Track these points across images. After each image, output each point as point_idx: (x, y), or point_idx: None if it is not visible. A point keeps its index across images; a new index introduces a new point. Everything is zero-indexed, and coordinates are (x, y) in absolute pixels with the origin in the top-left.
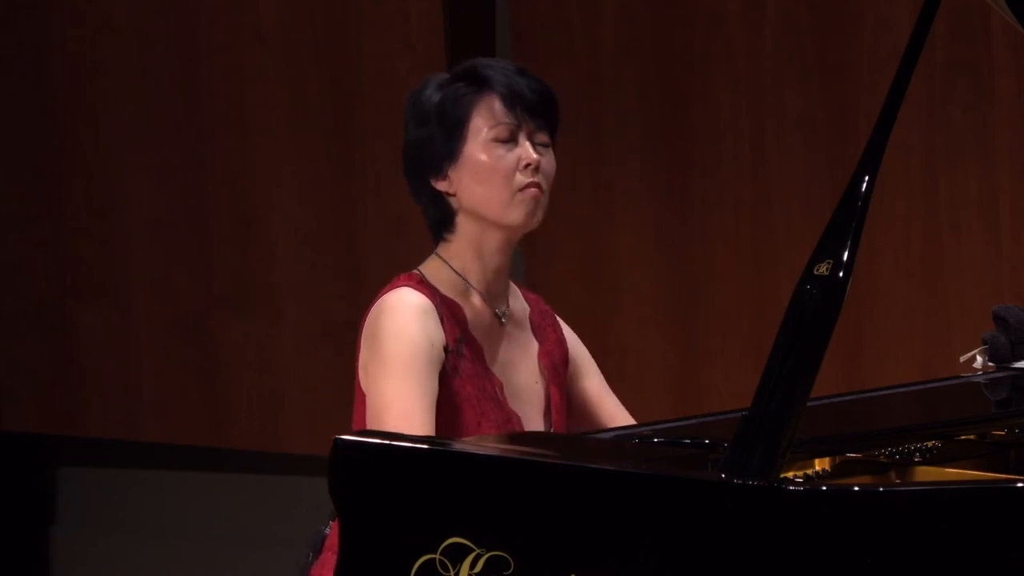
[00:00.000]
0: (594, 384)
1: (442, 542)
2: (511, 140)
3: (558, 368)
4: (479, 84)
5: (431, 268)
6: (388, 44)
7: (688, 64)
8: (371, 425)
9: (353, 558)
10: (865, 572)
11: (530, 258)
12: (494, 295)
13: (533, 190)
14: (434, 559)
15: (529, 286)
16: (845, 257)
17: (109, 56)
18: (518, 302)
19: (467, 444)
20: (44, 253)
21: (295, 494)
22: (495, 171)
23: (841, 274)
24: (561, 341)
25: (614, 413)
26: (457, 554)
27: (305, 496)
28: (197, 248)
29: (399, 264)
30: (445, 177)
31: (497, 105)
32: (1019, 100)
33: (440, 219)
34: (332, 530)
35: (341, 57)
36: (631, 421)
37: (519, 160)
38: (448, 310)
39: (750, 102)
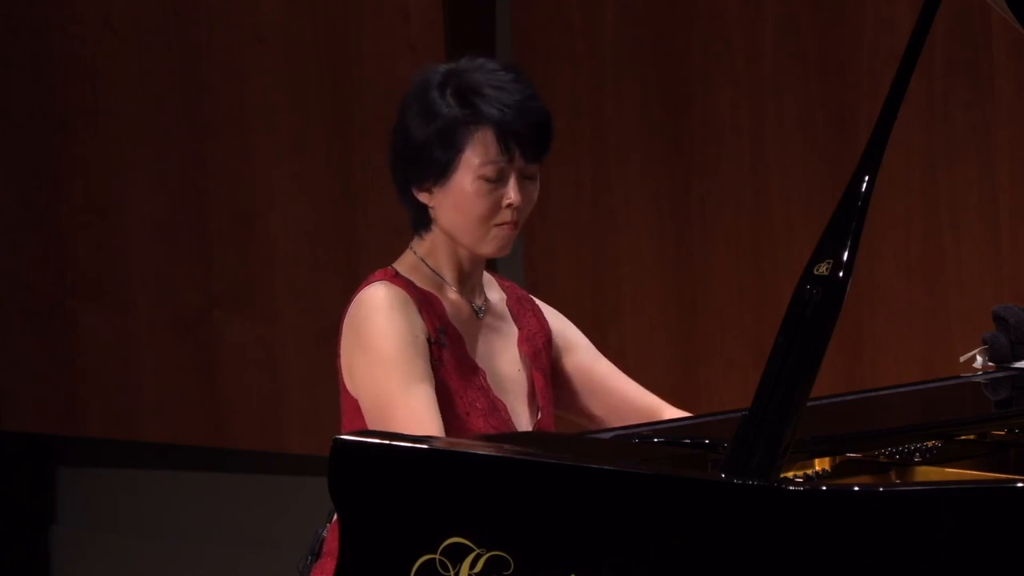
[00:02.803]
0: (583, 358)
1: (442, 542)
2: (499, 179)
3: (540, 353)
4: (478, 113)
5: (405, 264)
6: (388, 44)
7: (688, 64)
8: (377, 427)
9: (353, 558)
10: (865, 572)
11: (530, 258)
12: (469, 289)
13: (507, 228)
14: (434, 559)
15: (529, 286)
16: (845, 257)
17: (109, 56)
18: (494, 292)
19: (467, 444)
20: (44, 253)
21: (295, 494)
22: (476, 207)
23: (841, 274)
24: (542, 325)
25: (607, 375)
26: (457, 554)
27: (305, 496)
28: (197, 248)
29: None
30: (428, 193)
31: (491, 142)
32: (1019, 100)
33: (418, 219)
34: (329, 534)
35: (341, 57)
36: (628, 381)
37: (502, 199)
38: (426, 302)
39: (750, 102)
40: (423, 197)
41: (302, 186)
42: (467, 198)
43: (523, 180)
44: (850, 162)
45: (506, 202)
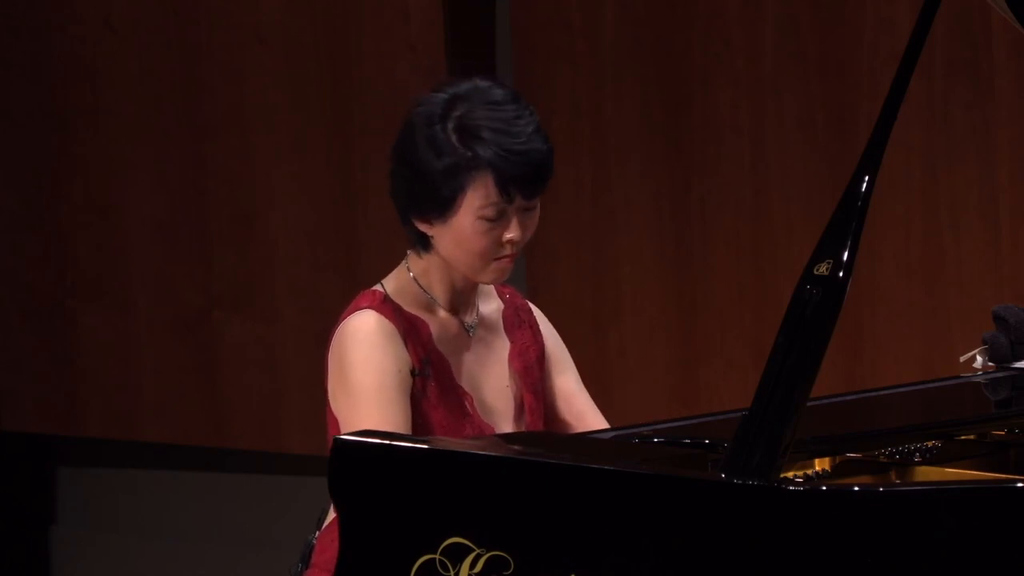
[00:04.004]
0: (568, 381)
1: (442, 542)
2: (499, 218)
3: (531, 368)
4: (478, 157)
5: (396, 283)
6: (388, 44)
7: (688, 64)
8: None
9: (353, 558)
10: (865, 572)
11: (531, 259)
12: (460, 307)
13: (506, 260)
14: (434, 559)
15: (530, 287)
16: (845, 257)
17: (109, 56)
18: (490, 304)
19: (467, 444)
20: (44, 253)
21: (295, 494)
22: (476, 244)
23: (841, 274)
24: (536, 338)
25: (585, 412)
26: (457, 554)
27: (305, 496)
28: (197, 248)
29: (399, 264)
30: (429, 224)
31: (491, 185)
32: (1019, 100)
33: (418, 240)
34: (319, 543)
35: (341, 57)
36: (603, 422)
37: (502, 235)
38: (412, 329)
39: (750, 102)
40: (423, 227)
41: (302, 186)
42: (468, 236)
43: (523, 212)
44: (850, 162)
45: (506, 238)
